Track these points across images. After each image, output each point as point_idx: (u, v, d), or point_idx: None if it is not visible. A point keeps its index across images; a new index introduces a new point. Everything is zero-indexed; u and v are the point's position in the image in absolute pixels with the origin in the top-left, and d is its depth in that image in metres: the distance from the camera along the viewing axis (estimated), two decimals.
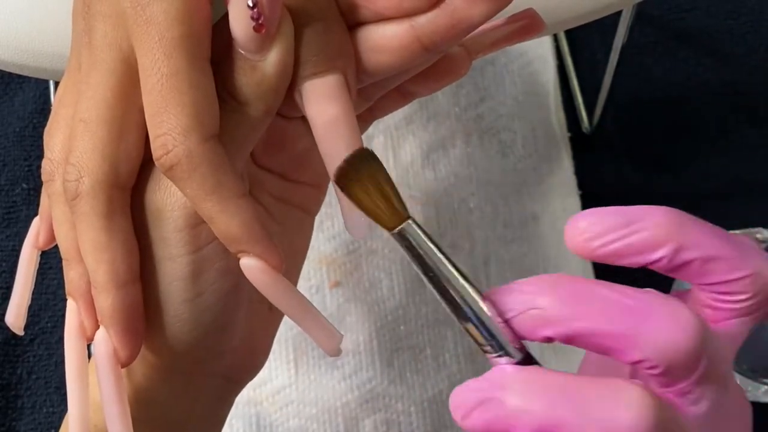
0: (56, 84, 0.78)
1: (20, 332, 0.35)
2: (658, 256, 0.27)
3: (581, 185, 0.79)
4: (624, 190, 0.82)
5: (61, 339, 0.75)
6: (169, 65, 0.27)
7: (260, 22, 0.27)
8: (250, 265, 0.29)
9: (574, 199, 0.78)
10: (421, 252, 0.28)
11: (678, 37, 0.88)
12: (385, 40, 0.29)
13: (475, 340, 0.28)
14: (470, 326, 0.28)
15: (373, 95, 0.33)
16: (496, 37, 0.33)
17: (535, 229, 0.77)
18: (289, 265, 0.36)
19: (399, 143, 0.78)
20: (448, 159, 0.77)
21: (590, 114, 0.83)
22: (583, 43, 0.86)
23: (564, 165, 0.79)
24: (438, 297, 0.29)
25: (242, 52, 0.28)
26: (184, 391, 0.34)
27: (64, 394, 0.75)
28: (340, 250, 0.74)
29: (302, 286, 0.73)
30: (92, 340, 0.31)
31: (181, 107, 0.27)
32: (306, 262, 0.38)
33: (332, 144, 0.29)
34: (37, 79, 0.84)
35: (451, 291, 0.28)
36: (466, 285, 0.28)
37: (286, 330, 0.73)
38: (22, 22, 0.43)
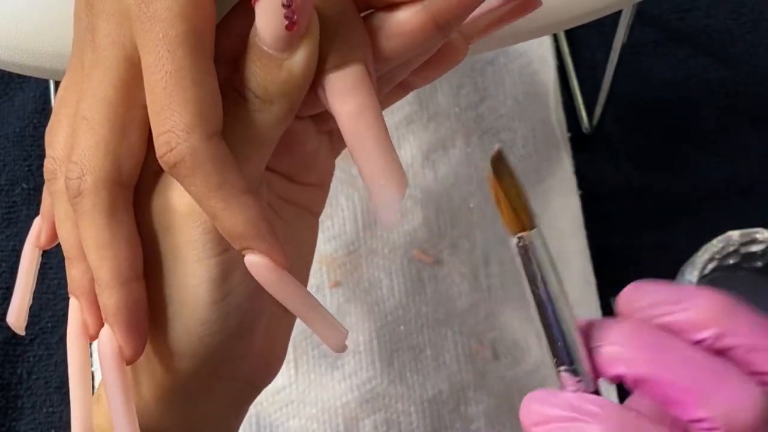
0: (56, 84, 0.77)
1: (21, 332, 0.35)
2: (701, 336, 0.29)
3: (581, 185, 0.79)
4: (624, 190, 0.82)
5: (61, 339, 0.75)
6: (173, 62, 0.27)
7: (294, 20, 0.27)
8: (255, 262, 0.29)
9: (574, 199, 0.78)
10: (535, 263, 0.31)
11: (678, 37, 0.88)
12: (399, 24, 0.29)
13: (557, 360, 0.30)
14: (558, 347, 0.30)
15: (383, 88, 0.33)
16: (491, 19, 0.33)
17: None
18: (299, 267, 0.36)
19: (399, 143, 0.78)
20: (448, 159, 0.77)
21: (590, 114, 0.83)
22: (583, 43, 0.86)
23: (564, 165, 0.79)
24: (534, 313, 0.31)
25: (268, 50, 0.28)
26: (205, 395, 0.34)
27: (65, 394, 0.75)
28: (340, 251, 0.74)
29: None
30: (95, 338, 0.31)
31: (185, 104, 0.27)
32: None
33: (360, 134, 0.29)
34: (37, 79, 0.84)
35: (549, 311, 0.30)
36: (565, 310, 0.30)
37: None
38: (23, 21, 0.43)
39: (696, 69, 0.87)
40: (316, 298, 0.30)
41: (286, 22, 0.27)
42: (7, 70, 0.44)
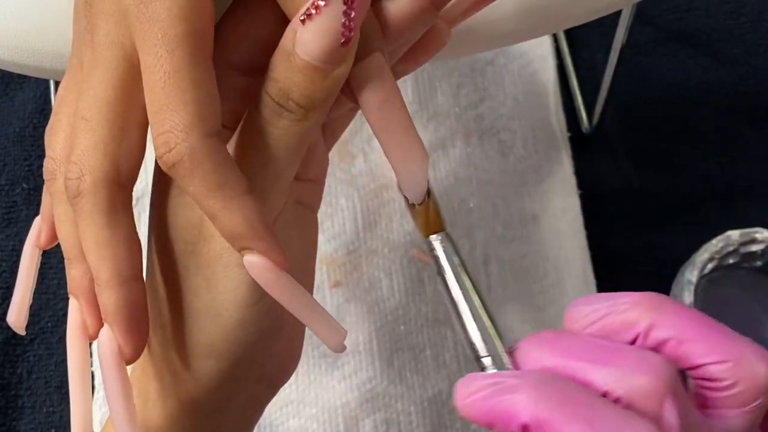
0: (56, 84, 0.77)
1: (22, 332, 0.35)
2: (634, 333, 0.29)
3: (581, 185, 0.79)
4: (623, 190, 0.82)
5: (61, 339, 0.75)
6: (172, 62, 0.27)
7: (350, 35, 0.27)
8: (253, 262, 0.29)
9: (574, 199, 0.78)
10: (443, 265, 0.32)
11: (678, 37, 0.88)
12: (400, 7, 0.29)
13: (475, 355, 0.31)
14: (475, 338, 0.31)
15: None
16: (468, 4, 0.34)
17: (534, 229, 0.77)
18: (306, 263, 0.36)
19: None
20: (448, 159, 0.77)
21: (590, 114, 0.83)
22: (583, 43, 0.86)
23: (564, 165, 0.79)
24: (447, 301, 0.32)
25: (316, 63, 0.28)
26: (235, 398, 0.34)
27: (65, 394, 0.75)
28: (340, 251, 0.74)
29: None
30: (95, 338, 0.31)
31: (184, 104, 0.27)
32: None
33: (390, 119, 0.29)
34: (37, 79, 0.84)
35: (456, 300, 0.31)
36: (478, 302, 0.31)
37: None
38: (23, 21, 0.43)
39: (696, 69, 0.87)
40: (314, 299, 0.31)
41: (343, 40, 0.27)
42: (8, 69, 0.44)
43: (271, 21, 0.31)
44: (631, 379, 0.27)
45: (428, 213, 0.32)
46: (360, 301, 0.74)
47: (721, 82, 0.86)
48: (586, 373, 0.28)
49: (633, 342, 0.29)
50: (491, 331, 0.31)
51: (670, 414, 0.27)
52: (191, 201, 0.30)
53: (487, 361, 0.30)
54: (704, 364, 0.28)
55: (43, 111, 0.83)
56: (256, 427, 0.71)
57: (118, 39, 0.29)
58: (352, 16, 0.27)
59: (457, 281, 0.31)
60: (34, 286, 0.36)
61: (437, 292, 0.74)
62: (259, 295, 0.31)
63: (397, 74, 0.35)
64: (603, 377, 0.28)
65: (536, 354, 0.30)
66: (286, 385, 0.74)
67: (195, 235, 0.31)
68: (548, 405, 0.27)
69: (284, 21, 0.31)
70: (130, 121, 0.29)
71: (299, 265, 0.34)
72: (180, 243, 0.31)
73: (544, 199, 0.78)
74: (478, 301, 0.31)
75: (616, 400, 0.27)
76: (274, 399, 0.77)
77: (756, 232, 0.70)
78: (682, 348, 0.28)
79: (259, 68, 0.32)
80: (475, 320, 0.31)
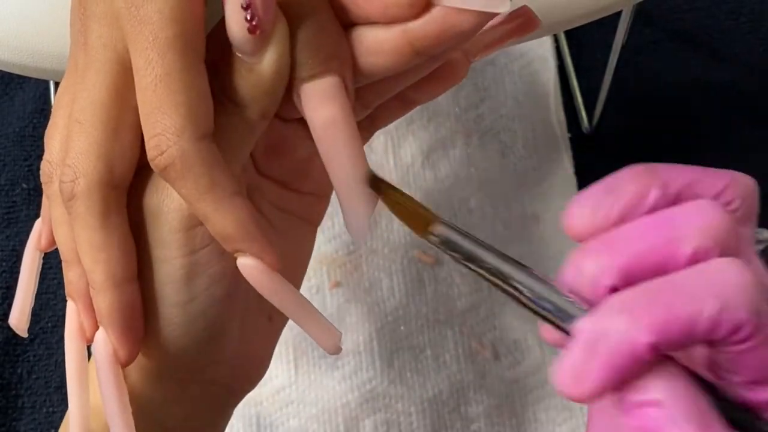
0: (56, 84, 0.77)
1: (24, 334, 0.35)
2: (651, 201, 0.27)
3: (581, 185, 0.79)
4: None
5: (61, 339, 0.75)
6: (163, 65, 0.27)
7: (254, 23, 0.27)
8: (246, 264, 0.29)
9: None
10: (459, 248, 0.29)
11: (678, 37, 0.88)
12: (378, 43, 0.29)
13: (547, 320, 0.27)
14: (538, 309, 0.27)
15: (371, 102, 0.33)
16: (492, 38, 0.33)
17: (535, 229, 0.77)
18: (290, 276, 0.36)
19: (399, 143, 0.78)
20: (449, 159, 0.77)
21: (590, 114, 0.83)
22: (583, 43, 0.86)
23: (564, 165, 0.79)
24: (495, 287, 0.28)
25: (239, 54, 0.28)
26: (179, 398, 0.34)
27: (65, 394, 0.75)
28: (340, 251, 0.74)
29: (302, 286, 0.72)
30: (92, 341, 0.31)
31: (175, 107, 0.27)
32: None
33: (331, 144, 0.29)
34: (37, 79, 0.84)
35: (496, 277, 0.28)
36: (506, 264, 0.28)
37: (287, 330, 0.73)
38: (23, 22, 0.43)
39: (696, 69, 0.87)
40: (309, 301, 0.30)
41: (248, 25, 0.27)
42: (8, 70, 0.44)
43: None
44: (747, 190, 0.28)
45: (410, 210, 0.30)
46: (360, 301, 0.74)
47: (722, 82, 0.86)
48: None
49: (654, 208, 0.27)
50: (552, 290, 0.27)
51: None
52: (159, 184, 0.30)
53: (573, 324, 0.26)
54: (717, 194, 0.28)
55: (43, 111, 0.83)
56: (256, 427, 0.71)
57: (111, 42, 0.29)
58: (252, 1, 0.27)
59: (485, 262, 0.28)
60: (36, 289, 0.36)
61: (437, 293, 0.74)
62: (187, 297, 0.30)
63: (409, 103, 0.35)
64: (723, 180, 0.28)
65: (605, 263, 0.26)
66: (286, 385, 0.74)
67: (147, 220, 0.30)
68: None
69: None
70: (123, 124, 0.29)
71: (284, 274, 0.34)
72: (141, 228, 0.31)
73: (544, 199, 0.78)
74: (521, 269, 0.28)
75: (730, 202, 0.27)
76: (275, 399, 0.77)
77: (757, 232, 0.70)
78: (694, 190, 0.28)
79: None
80: (534, 290, 0.27)
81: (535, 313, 0.27)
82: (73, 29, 0.31)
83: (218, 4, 0.29)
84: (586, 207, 0.28)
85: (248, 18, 0.27)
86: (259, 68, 0.28)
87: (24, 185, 0.81)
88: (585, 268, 0.26)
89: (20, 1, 0.43)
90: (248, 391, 0.37)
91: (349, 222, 0.31)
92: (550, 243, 0.77)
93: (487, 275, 0.28)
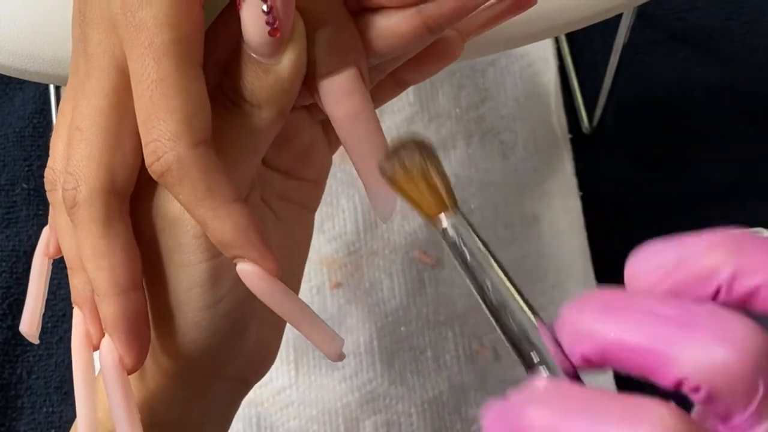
0: (56, 86, 0.77)
1: (35, 340, 0.35)
2: (714, 286, 0.23)
3: (581, 186, 0.79)
4: (624, 191, 0.82)
5: (61, 338, 0.75)
6: (159, 70, 0.27)
7: (275, 26, 0.27)
8: (246, 270, 0.29)
9: (575, 200, 0.78)
10: (462, 245, 0.27)
11: (678, 37, 0.88)
12: (391, 27, 0.29)
13: (519, 354, 0.25)
14: (514, 338, 0.25)
15: (374, 79, 0.33)
16: (487, 17, 0.33)
17: (536, 230, 0.77)
18: (293, 263, 0.36)
19: None
20: (449, 160, 0.77)
21: (590, 114, 0.83)
22: (584, 43, 0.86)
23: (565, 166, 0.79)
24: (475, 292, 0.26)
25: (255, 56, 0.28)
26: (200, 395, 0.34)
27: (65, 394, 0.75)
28: (341, 252, 0.74)
29: (303, 287, 0.72)
30: (98, 348, 0.31)
31: (171, 113, 0.27)
32: (307, 263, 0.38)
33: (354, 135, 0.29)
34: None
35: (491, 292, 0.26)
36: (509, 285, 0.26)
37: (287, 331, 0.73)
38: (22, 26, 0.43)
39: (696, 69, 0.87)
40: (309, 306, 0.30)
41: (269, 28, 0.27)
42: (7, 74, 0.44)
43: None
44: (709, 367, 0.21)
45: (432, 186, 0.27)
46: (361, 302, 0.74)
47: (722, 82, 0.86)
48: (658, 370, 0.22)
49: (714, 298, 0.23)
50: (531, 324, 0.25)
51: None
52: (159, 194, 0.30)
53: (542, 369, 0.25)
54: None
55: (42, 111, 0.83)
56: (257, 428, 0.71)
57: (110, 48, 0.29)
58: (273, 4, 0.27)
59: (482, 269, 0.26)
60: (46, 295, 0.36)
61: (438, 294, 0.74)
62: (214, 299, 0.31)
63: (402, 83, 0.35)
64: (677, 368, 0.22)
65: (587, 328, 0.23)
66: (286, 385, 0.74)
67: (164, 226, 0.30)
68: None
69: None
70: (123, 130, 0.29)
71: (285, 264, 0.34)
72: (155, 235, 0.31)
73: (545, 200, 0.78)
74: (515, 292, 0.25)
75: (694, 390, 0.22)
76: (275, 400, 0.77)
77: (757, 232, 0.70)
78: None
79: None
80: (515, 317, 0.25)
81: (511, 345, 0.26)
82: (73, 36, 0.31)
83: (212, 8, 0.29)
84: (650, 258, 0.24)
85: (269, 21, 0.27)
86: (277, 69, 0.28)
87: (24, 185, 0.81)
88: (568, 324, 0.24)
89: (19, 4, 0.43)
90: (260, 378, 0.37)
91: (376, 205, 0.31)
92: (550, 243, 0.77)
93: (467, 275, 0.26)
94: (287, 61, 0.28)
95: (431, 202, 0.27)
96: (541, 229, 0.77)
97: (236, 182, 0.30)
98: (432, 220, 0.27)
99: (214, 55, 0.30)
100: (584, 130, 0.83)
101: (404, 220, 0.74)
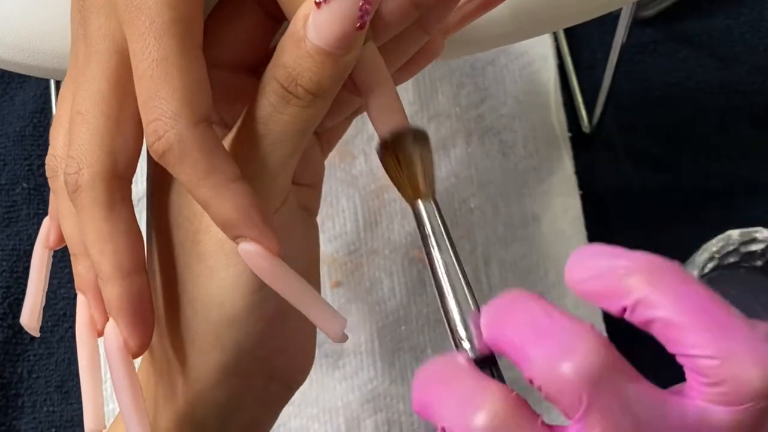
0: (57, 84, 0.77)
1: (36, 333, 0.35)
2: (622, 304, 0.26)
3: (581, 185, 0.79)
4: (624, 190, 0.82)
5: (62, 338, 0.75)
6: (159, 50, 0.27)
7: (365, 19, 0.27)
8: (247, 249, 0.29)
9: (575, 199, 0.78)
10: (429, 228, 0.30)
11: (678, 37, 0.88)
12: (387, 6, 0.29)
13: (450, 331, 0.30)
14: (450, 313, 0.30)
15: None
16: (462, 13, 0.34)
17: (535, 229, 0.77)
18: (309, 264, 0.36)
19: None
20: (449, 159, 0.77)
21: (590, 114, 0.83)
22: (583, 42, 0.86)
23: (564, 165, 0.79)
24: (430, 272, 0.30)
25: (329, 48, 0.28)
26: (243, 395, 0.34)
27: (65, 393, 0.75)
28: (341, 251, 0.74)
29: None
30: (102, 334, 0.31)
31: (172, 92, 0.27)
32: None
33: (387, 104, 0.30)
34: (37, 79, 0.84)
35: (443, 272, 0.30)
36: (459, 270, 0.30)
37: None
38: (23, 20, 0.43)
39: (696, 69, 0.87)
40: (312, 287, 0.30)
41: (358, 24, 0.27)
42: (8, 69, 0.44)
43: (258, 18, 0.31)
44: (547, 373, 0.25)
45: (414, 174, 0.30)
46: (361, 301, 0.74)
47: (722, 82, 0.86)
48: (521, 353, 0.27)
49: (622, 313, 0.26)
50: (468, 306, 0.29)
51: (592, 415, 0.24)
52: None
53: (465, 344, 0.29)
54: (690, 356, 0.25)
55: (43, 111, 0.83)
56: None
57: (110, 31, 0.29)
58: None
59: (439, 250, 0.30)
60: (47, 287, 0.36)
61: None
62: (260, 282, 0.31)
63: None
64: (527, 370, 0.26)
65: (495, 321, 0.28)
66: None
67: (196, 225, 0.31)
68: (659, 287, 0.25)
69: (272, 18, 0.31)
70: (125, 113, 0.30)
71: (303, 265, 0.34)
72: (181, 233, 0.31)
73: (545, 199, 0.78)
74: (461, 275, 0.30)
75: (539, 389, 0.26)
76: None
77: (756, 232, 0.70)
78: (669, 332, 0.25)
79: (245, 65, 0.32)
80: (456, 297, 0.30)
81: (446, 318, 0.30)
82: (73, 23, 0.31)
83: None
84: (587, 259, 0.28)
85: (362, 15, 0.27)
86: (345, 59, 0.28)
87: (24, 185, 0.81)
88: (487, 317, 0.28)
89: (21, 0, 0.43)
90: (300, 383, 0.37)
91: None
92: (550, 243, 0.77)
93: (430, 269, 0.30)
94: (356, 51, 0.28)
95: (412, 187, 0.30)
96: (541, 228, 0.77)
97: (287, 174, 0.31)
98: (410, 202, 0.31)
99: (209, 51, 0.30)
100: (583, 129, 0.83)
101: (404, 220, 0.75)
